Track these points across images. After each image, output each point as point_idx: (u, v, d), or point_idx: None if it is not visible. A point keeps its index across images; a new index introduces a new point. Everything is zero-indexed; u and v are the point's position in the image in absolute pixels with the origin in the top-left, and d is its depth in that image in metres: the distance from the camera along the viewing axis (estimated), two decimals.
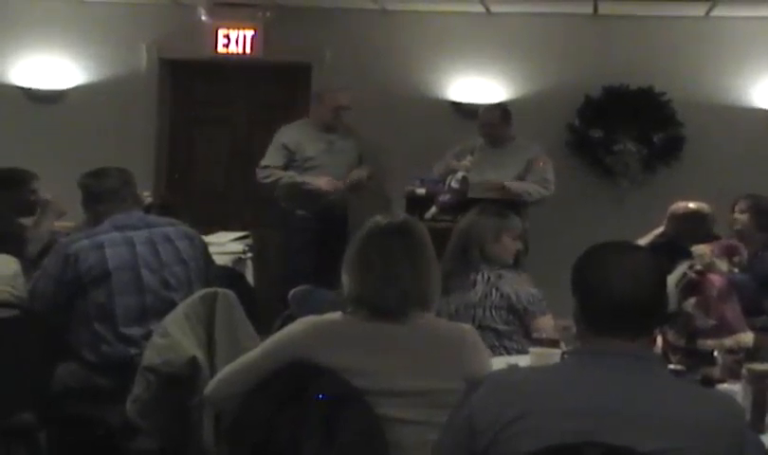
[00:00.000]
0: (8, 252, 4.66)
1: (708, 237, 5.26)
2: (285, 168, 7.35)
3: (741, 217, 5.98)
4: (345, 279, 3.13)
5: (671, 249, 4.46)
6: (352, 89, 7.58)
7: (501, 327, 4.52)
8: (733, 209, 5.98)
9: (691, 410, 2.32)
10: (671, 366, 3.74)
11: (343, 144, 7.45)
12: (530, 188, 7.29)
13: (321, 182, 7.24)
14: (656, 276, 2.45)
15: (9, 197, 5.46)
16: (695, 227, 5.60)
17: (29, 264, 4.80)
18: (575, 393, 2.35)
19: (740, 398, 3.19)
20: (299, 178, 7.27)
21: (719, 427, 2.31)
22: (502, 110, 7.67)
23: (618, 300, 2.38)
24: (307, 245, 7.29)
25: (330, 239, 6.94)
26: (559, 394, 2.36)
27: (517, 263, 4.90)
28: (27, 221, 5.40)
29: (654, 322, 2.48)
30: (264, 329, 3.82)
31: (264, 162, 7.41)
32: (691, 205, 5.87)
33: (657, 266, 2.48)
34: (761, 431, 3.15)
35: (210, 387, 3.17)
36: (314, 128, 7.44)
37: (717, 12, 7.99)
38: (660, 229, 5.86)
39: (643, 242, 5.49)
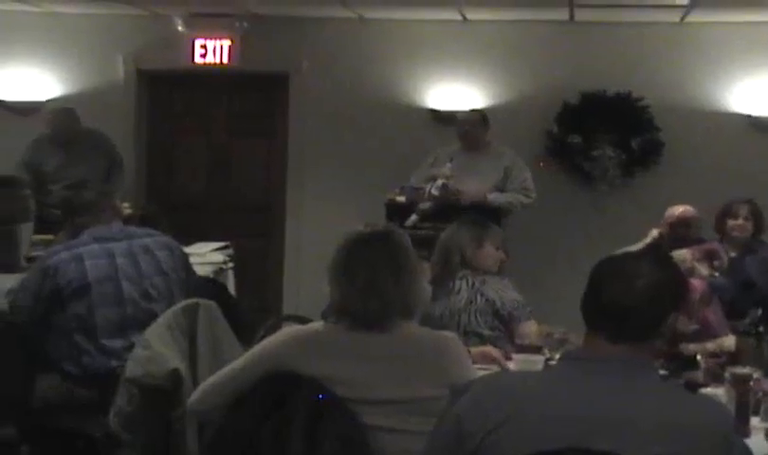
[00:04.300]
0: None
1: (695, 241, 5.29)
2: None
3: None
4: (329, 288, 3.12)
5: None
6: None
7: (486, 332, 4.51)
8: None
9: (679, 415, 2.31)
10: None
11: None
12: (512, 198, 7.30)
13: None
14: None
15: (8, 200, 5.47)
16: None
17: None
18: (561, 399, 2.35)
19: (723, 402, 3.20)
20: None
21: (706, 432, 2.30)
22: (482, 114, 7.73)
23: (605, 302, 2.40)
24: None
25: None
26: (546, 399, 2.36)
27: (499, 270, 4.90)
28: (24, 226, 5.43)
29: (647, 330, 2.46)
30: (246, 340, 3.81)
31: None
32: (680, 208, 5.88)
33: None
34: (746, 435, 3.16)
35: (193, 398, 3.16)
36: None
37: (691, 18, 8.03)
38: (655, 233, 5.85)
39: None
